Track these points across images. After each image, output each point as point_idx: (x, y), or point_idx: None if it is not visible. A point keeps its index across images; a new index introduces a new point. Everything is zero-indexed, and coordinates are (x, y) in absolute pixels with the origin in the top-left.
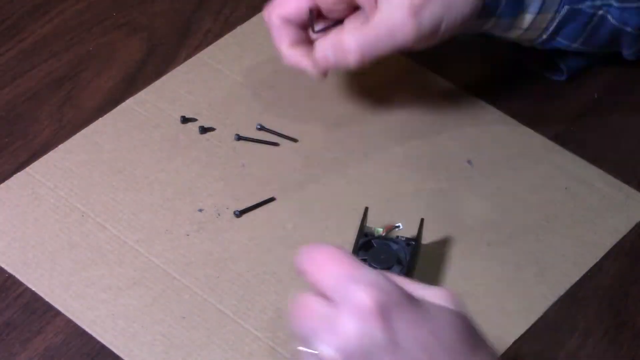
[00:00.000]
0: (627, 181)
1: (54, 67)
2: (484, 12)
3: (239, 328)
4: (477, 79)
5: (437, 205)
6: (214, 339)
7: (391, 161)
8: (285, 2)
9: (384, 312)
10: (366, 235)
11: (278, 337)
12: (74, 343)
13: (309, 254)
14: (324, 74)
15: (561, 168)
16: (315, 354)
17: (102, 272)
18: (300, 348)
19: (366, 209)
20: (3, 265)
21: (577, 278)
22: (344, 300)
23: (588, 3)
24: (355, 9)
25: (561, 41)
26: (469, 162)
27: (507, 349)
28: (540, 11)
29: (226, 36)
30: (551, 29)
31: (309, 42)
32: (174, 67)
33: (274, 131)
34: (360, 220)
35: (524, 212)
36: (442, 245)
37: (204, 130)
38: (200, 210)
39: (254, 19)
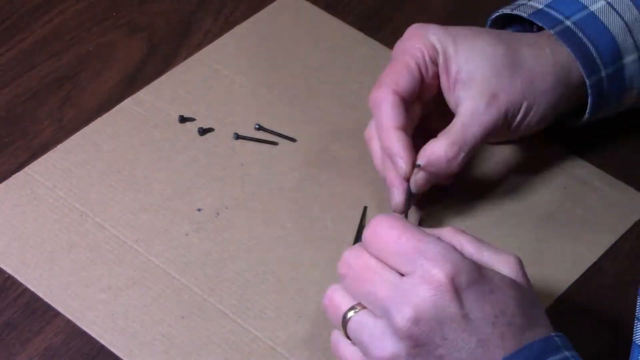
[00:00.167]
0: (626, 181)
1: (54, 67)
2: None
3: (238, 328)
4: None
5: (436, 205)
6: (213, 339)
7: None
8: (399, 77)
9: (456, 286)
10: None
11: (278, 336)
12: (74, 343)
13: (373, 227)
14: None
15: (560, 168)
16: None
17: (102, 272)
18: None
19: (365, 208)
20: (2, 266)
21: (576, 277)
22: (415, 273)
23: None
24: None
25: None
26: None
27: None
28: None
29: (224, 36)
30: None
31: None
32: (174, 67)
33: (273, 131)
34: (359, 219)
35: (523, 212)
36: None
37: (203, 131)
38: (199, 210)
39: (252, 19)
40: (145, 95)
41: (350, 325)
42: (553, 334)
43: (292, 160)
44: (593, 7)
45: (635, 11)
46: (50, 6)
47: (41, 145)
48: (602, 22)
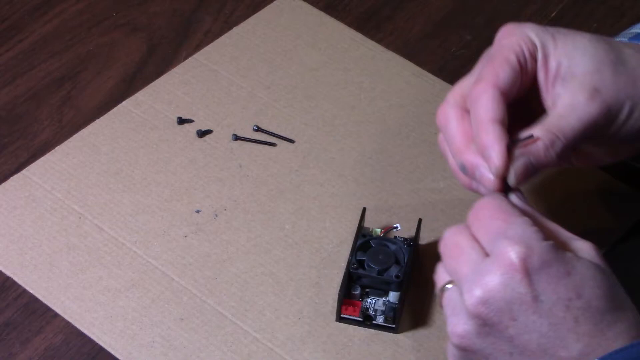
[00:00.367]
0: (625, 181)
1: (54, 67)
2: None
3: (237, 329)
4: None
5: (435, 206)
6: (212, 341)
7: (388, 161)
8: (500, 70)
9: (527, 268)
10: (364, 236)
11: (276, 338)
12: (73, 343)
13: (476, 207)
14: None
15: (560, 168)
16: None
17: (100, 274)
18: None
19: (364, 210)
20: (1, 268)
21: None
22: (493, 253)
23: None
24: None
25: None
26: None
27: None
28: None
29: (222, 37)
30: None
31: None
32: (174, 67)
33: (271, 132)
34: (358, 220)
35: None
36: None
37: (201, 133)
38: (198, 212)
39: (251, 20)
40: (143, 96)
41: (443, 299)
42: None
43: (291, 161)
44: None
45: None
46: (50, 6)
47: (41, 145)
48: None
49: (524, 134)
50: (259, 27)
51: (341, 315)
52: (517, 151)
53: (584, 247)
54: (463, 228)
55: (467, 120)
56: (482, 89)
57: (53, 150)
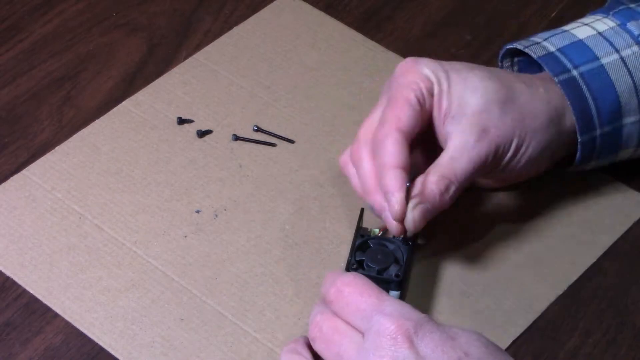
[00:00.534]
0: (625, 181)
1: (54, 67)
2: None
3: (237, 329)
4: None
5: None
6: (212, 341)
7: None
8: (401, 113)
9: (410, 338)
10: (362, 236)
11: (277, 338)
12: (73, 343)
13: (335, 286)
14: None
15: (559, 168)
16: None
17: (100, 274)
18: None
19: (362, 211)
20: (1, 268)
21: (576, 278)
22: (371, 330)
23: None
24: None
25: None
26: None
27: (507, 349)
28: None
29: (222, 37)
30: None
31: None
32: (174, 67)
33: (271, 132)
34: (357, 220)
35: (522, 212)
36: (440, 245)
37: (201, 133)
38: (198, 212)
39: (251, 20)
40: (143, 96)
41: None
42: None
43: (291, 161)
44: (604, 60)
45: None
46: (50, 6)
47: (41, 145)
48: (610, 78)
49: (417, 184)
50: (259, 27)
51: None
52: (414, 200)
53: (468, 331)
54: (328, 311)
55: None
56: (385, 132)
57: (53, 150)
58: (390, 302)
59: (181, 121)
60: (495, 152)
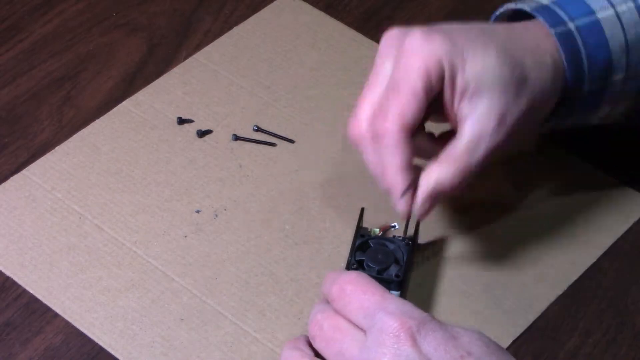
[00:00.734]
0: (625, 181)
1: (54, 67)
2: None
3: (237, 329)
4: None
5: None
6: (212, 341)
7: None
8: (406, 108)
9: (413, 336)
10: (362, 236)
11: (277, 338)
12: (73, 343)
13: (338, 284)
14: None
15: (560, 168)
16: None
17: (100, 274)
18: None
19: (362, 210)
20: (1, 268)
21: (576, 278)
22: (374, 328)
23: None
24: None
25: None
26: None
27: (507, 349)
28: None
29: (222, 37)
30: None
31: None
32: (174, 67)
33: (271, 132)
34: (357, 220)
35: (522, 212)
36: (440, 245)
37: (201, 133)
38: (198, 212)
39: (251, 20)
40: (143, 96)
41: None
42: None
43: (291, 161)
44: (600, 15)
45: None
46: (50, 6)
47: (41, 145)
48: (604, 33)
49: (432, 176)
50: (259, 27)
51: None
52: (425, 190)
53: (470, 330)
54: (329, 309)
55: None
56: (388, 128)
57: (53, 150)
58: (394, 300)
59: (181, 121)
60: (509, 138)
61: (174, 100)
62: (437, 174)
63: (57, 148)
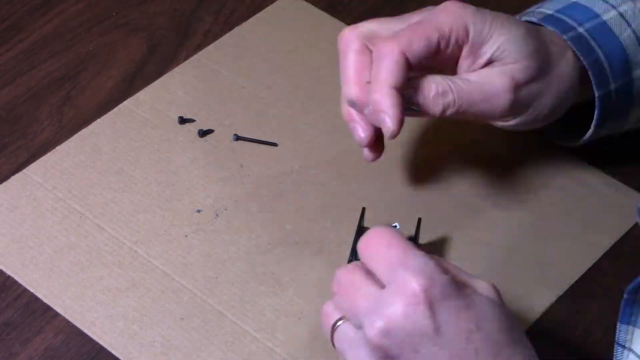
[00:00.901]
0: (625, 181)
1: (54, 67)
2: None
3: (237, 329)
4: None
5: (434, 205)
6: (213, 340)
7: (388, 161)
8: (415, 42)
9: (430, 299)
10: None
11: (277, 338)
12: (73, 343)
13: (366, 237)
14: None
15: (561, 169)
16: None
17: (101, 274)
18: None
19: (363, 209)
20: (2, 267)
21: (576, 278)
22: (393, 284)
23: None
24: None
25: None
26: None
27: None
28: None
29: (224, 36)
30: None
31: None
32: (174, 67)
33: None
34: (358, 220)
35: (522, 212)
36: (440, 245)
37: (202, 133)
38: (199, 211)
39: (252, 20)
40: (144, 96)
41: (335, 336)
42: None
43: (292, 161)
44: (605, 17)
45: None
46: (50, 6)
47: (41, 145)
48: (613, 32)
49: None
50: (261, 26)
51: None
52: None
53: (482, 286)
54: (356, 265)
55: (366, 55)
56: (390, 49)
57: (54, 150)
58: (416, 257)
59: (182, 121)
60: (513, 107)
61: (175, 100)
62: (424, 78)
63: (58, 147)
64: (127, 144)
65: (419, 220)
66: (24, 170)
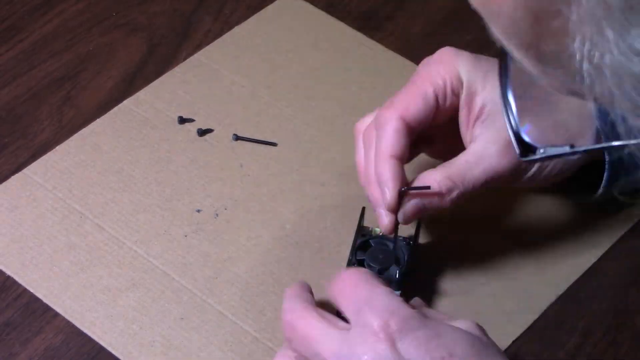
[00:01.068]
0: None
1: (54, 67)
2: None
3: (237, 329)
4: None
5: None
6: (212, 340)
7: None
8: (411, 103)
9: (391, 335)
10: (364, 235)
11: (277, 337)
12: (73, 343)
13: (337, 279)
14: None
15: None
16: None
17: (101, 274)
18: None
19: (363, 209)
20: (2, 267)
21: (576, 278)
22: (358, 324)
23: None
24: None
25: None
26: None
27: (507, 349)
28: None
29: (224, 36)
30: None
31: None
32: (174, 67)
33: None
34: (358, 220)
35: (522, 212)
36: (440, 245)
37: (202, 132)
38: (199, 211)
39: (252, 19)
40: (144, 96)
41: None
42: None
43: (292, 161)
44: None
45: None
46: (50, 6)
47: (41, 145)
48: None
49: (422, 178)
50: (260, 26)
51: (342, 315)
52: (411, 196)
53: (462, 323)
54: (307, 309)
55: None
56: (388, 116)
57: (54, 150)
58: (381, 296)
59: (182, 120)
60: (515, 170)
61: (175, 100)
62: (428, 175)
63: (57, 147)
64: (127, 143)
65: (419, 220)
66: (24, 170)
